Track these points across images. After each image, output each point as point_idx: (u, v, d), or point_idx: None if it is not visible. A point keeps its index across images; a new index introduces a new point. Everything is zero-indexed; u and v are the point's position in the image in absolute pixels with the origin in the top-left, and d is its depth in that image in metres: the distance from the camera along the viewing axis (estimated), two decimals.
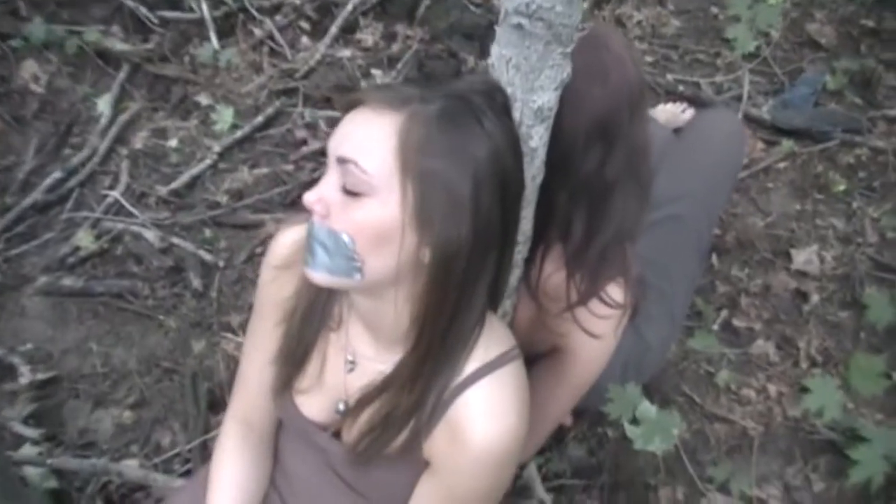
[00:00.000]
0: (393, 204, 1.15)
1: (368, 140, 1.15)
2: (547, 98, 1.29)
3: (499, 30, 1.27)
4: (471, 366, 1.29)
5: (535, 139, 1.34)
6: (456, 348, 1.28)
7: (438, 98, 1.18)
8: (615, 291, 1.64)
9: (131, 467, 2.16)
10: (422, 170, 1.14)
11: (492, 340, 1.32)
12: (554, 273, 1.62)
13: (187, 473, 2.16)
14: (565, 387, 1.81)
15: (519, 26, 1.21)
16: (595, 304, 1.63)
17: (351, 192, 1.15)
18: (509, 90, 1.29)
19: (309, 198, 1.18)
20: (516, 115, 1.30)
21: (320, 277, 1.21)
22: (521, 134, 1.31)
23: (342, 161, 1.15)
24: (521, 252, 1.55)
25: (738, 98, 3.30)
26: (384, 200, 1.14)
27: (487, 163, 1.16)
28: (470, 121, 1.17)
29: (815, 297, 2.62)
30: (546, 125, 1.34)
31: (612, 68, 1.44)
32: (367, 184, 1.14)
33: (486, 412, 1.27)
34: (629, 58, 1.55)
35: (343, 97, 3.00)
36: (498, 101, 1.26)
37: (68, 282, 2.55)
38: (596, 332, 1.66)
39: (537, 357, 1.80)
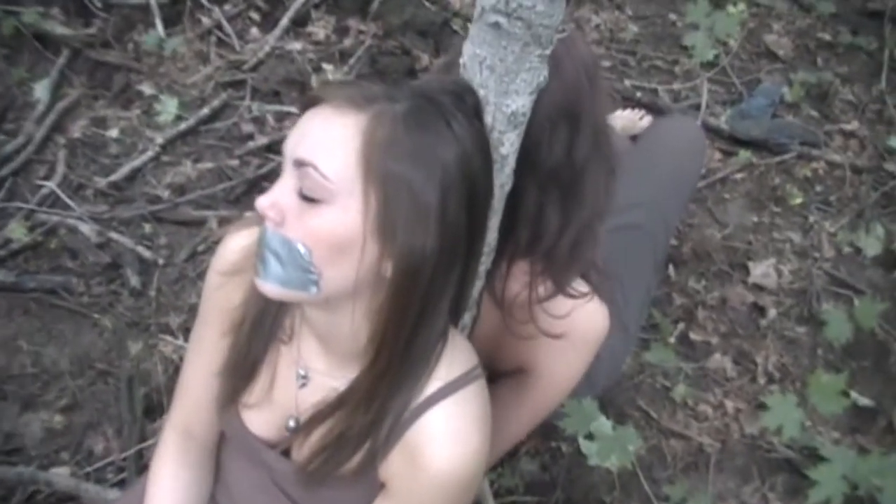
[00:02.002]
0: (354, 212, 1.06)
1: (329, 141, 1.07)
2: (521, 103, 1.22)
3: (473, 28, 1.19)
4: (432, 385, 1.22)
5: (507, 146, 1.27)
6: (417, 366, 1.20)
7: (405, 97, 1.10)
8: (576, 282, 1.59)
9: (61, 476, 2.05)
10: (386, 175, 1.06)
11: (454, 358, 1.24)
12: (522, 292, 1.55)
13: (121, 484, 2.06)
14: (527, 409, 1.75)
15: (496, 25, 1.13)
16: (555, 304, 1.57)
17: (308, 198, 1.07)
18: (482, 93, 1.21)
19: (262, 203, 1.09)
20: (488, 119, 1.23)
21: (272, 289, 1.13)
22: (492, 140, 1.24)
23: (300, 164, 1.07)
24: (484, 264, 1.48)
25: (696, 106, 3.28)
26: (344, 208, 1.06)
27: (456, 169, 1.09)
28: (438, 123, 1.10)
29: (772, 312, 2.60)
30: (518, 132, 1.27)
31: (562, 53, 1.37)
32: (326, 189, 1.06)
33: (447, 435, 1.20)
34: (576, 35, 1.50)
35: (302, 95, 2.94)
36: (468, 103, 1.18)
37: None
38: (558, 332, 1.59)
39: (499, 375, 1.73)
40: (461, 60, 1.23)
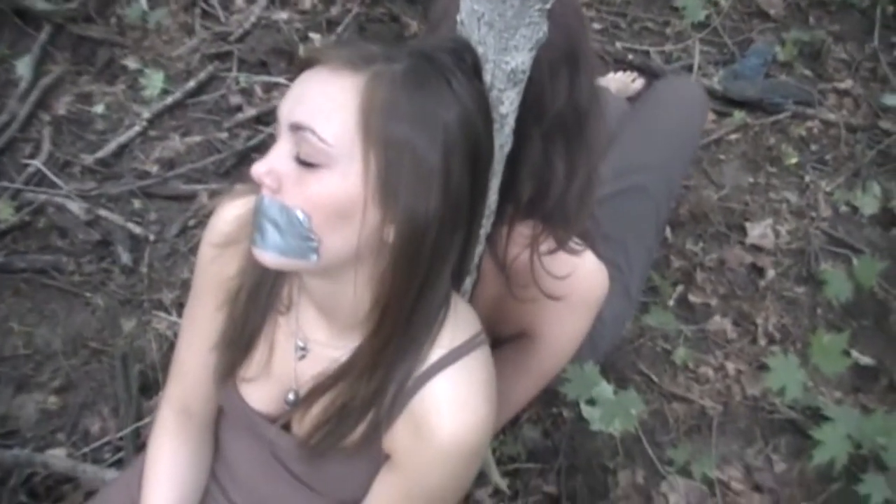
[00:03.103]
0: (354, 176, 1.04)
1: (327, 104, 1.03)
2: (521, 59, 1.18)
3: None
4: (436, 353, 1.19)
5: (507, 104, 1.23)
6: (420, 333, 1.18)
7: (403, 57, 1.07)
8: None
9: (58, 457, 2.03)
10: (387, 137, 1.03)
11: (458, 325, 1.22)
12: (522, 253, 1.53)
13: (119, 463, 2.04)
14: (530, 374, 1.73)
15: None
16: (556, 264, 1.54)
17: (306, 163, 1.04)
18: (480, 50, 1.18)
19: (258, 169, 1.06)
20: (487, 77, 1.19)
21: (271, 258, 1.09)
22: (492, 98, 1.20)
23: (296, 128, 1.04)
24: (484, 227, 1.45)
25: (689, 68, 3.26)
26: (344, 172, 1.03)
27: (458, 129, 1.06)
28: (438, 82, 1.07)
29: (770, 272, 2.59)
30: (518, 90, 1.23)
31: None
32: (325, 153, 1.03)
33: (452, 403, 1.17)
34: None
35: (290, 64, 2.90)
36: (467, 61, 1.15)
37: None
38: (559, 294, 1.57)
39: (500, 341, 1.71)
40: (458, 17, 1.20)
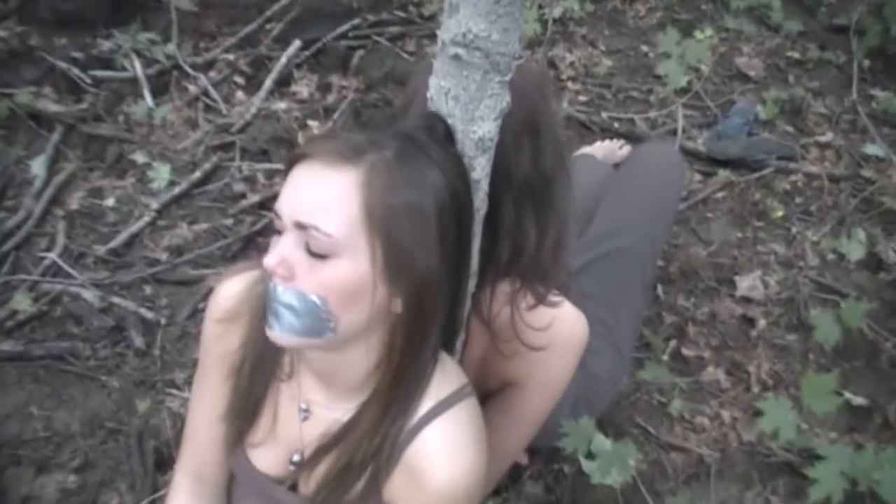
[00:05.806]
0: (362, 260, 1.13)
1: (328, 200, 1.12)
2: (488, 128, 1.29)
3: (436, 62, 1.27)
4: (425, 405, 1.28)
5: (478, 170, 1.33)
6: (414, 389, 1.27)
7: (389, 141, 1.17)
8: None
9: None
10: (388, 220, 1.12)
11: (444, 379, 1.31)
12: (504, 309, 1.61)
13: None
14: (519, 421, 1.79)
15: (456, 57, 1.21)
16: (535, 317, 1.62)
17: (316, 254, 1.13)
18: (450, 121, 1.29)
19: (269, 262, 1.14)
20: (458, 146, 1.30)
21: (288, 340, 1.19)
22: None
23: (301, 227, 1.13)
24: (469, 287, 1.53)
25: (673, 132, 3.36)
26: (352, 258, 1.13)
27: (446, 193, 1.17)
28: (422, 157, 1.18)
29: (761, 322, 2.65)
30: (488, 156, 1.34)
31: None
32: (332, 245, 1.12)
33: (444, 451, 1.26)
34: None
35: (286, 153, 3.01)
36: (441, 133, 1.27)
37: (6, 346, 2.47)
38: (539, 345, 1.64)
39: (489, 395, 1.79)
40: (428, 94, 1.31)
